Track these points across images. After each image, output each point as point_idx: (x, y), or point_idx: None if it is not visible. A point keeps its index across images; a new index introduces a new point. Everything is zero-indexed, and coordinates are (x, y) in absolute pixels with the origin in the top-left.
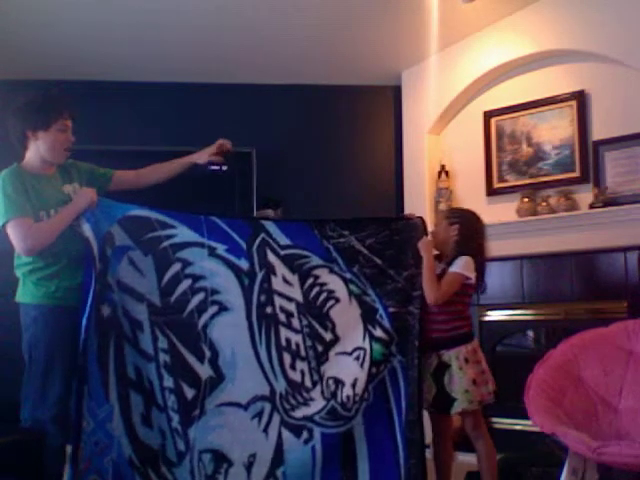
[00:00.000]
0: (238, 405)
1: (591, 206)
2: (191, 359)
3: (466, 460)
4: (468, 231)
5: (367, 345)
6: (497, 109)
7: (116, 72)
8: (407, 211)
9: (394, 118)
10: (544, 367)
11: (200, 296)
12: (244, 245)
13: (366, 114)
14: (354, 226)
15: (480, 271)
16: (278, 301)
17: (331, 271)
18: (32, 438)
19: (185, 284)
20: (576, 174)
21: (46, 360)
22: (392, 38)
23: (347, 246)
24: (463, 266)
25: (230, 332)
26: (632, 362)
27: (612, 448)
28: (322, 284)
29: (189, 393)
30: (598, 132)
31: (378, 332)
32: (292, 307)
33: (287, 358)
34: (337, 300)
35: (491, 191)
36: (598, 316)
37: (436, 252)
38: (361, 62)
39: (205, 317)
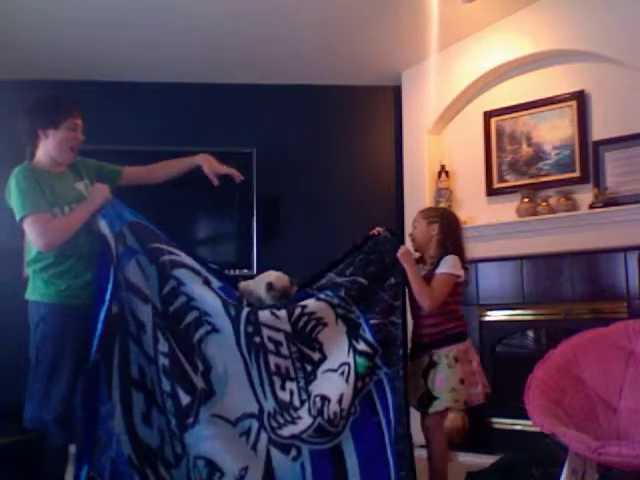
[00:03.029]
0: (227, 421)
1: (591, 206)
2: (188, 367)
3: (466, 460)
4: (450, 229)
5: (351, 360)
6: (497, 109)
7: (116, 72)
8: (407, 212)
9: (394, 118)
10: (544, 367)
11: (195, 314)
12: (236, 292)
13: (366, 114)
14: (330, 267)
15: (464, 268)
16: (266, 332)
17: (318, 299)
18: (34, 438)
19: (181, 299)
20: (576, 174)
21: (53, 359)
22: (392, 38)
23: (330, 284)
24: (451, 265)
25: (223, 350)
26: (632, 362)
27: (612, 448)
28: (310, 313)
29: (184, 400)
30: (598, 132)
31: (361, 346)
32: (280, 337)
33: (277, 380)
34: (325, 325)
35: (491, 191)
36: (598, 316)
37: (417, 255)
38: (361, 62)
39: (200, 332)
